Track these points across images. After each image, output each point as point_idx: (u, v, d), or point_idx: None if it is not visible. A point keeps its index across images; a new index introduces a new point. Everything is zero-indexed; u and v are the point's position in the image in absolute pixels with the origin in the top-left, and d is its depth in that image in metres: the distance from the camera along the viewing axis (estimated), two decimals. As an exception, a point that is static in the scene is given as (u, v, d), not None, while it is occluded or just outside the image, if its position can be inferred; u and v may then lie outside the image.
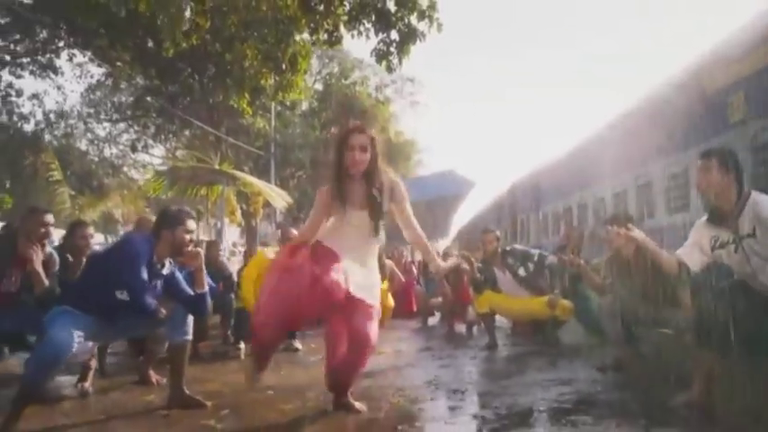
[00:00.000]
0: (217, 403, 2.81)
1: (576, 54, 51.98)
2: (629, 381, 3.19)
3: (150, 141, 19.09)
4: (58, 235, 6.01)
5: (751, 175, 4.04)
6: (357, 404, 2.67)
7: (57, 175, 11.40)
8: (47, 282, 3.17)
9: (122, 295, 2.62)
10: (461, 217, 19.89)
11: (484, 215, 16.28)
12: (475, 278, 4.84)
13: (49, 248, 3.46)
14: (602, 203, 7.81)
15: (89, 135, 20.81)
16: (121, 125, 20.17)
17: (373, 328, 2.56)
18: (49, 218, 3.39)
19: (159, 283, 2.81)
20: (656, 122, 5.84)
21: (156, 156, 20.57)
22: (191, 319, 2.89)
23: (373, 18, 7.47)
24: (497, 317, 5.00)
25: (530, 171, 11.05)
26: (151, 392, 3.15)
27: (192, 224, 2.88)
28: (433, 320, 6.51)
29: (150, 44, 11.83)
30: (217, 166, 8.46)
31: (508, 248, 5.11)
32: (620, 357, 3.43)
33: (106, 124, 19.95)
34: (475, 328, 5.59)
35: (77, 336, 2.47)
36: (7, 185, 10.90)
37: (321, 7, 8.65)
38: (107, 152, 20.84)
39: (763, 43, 4.44)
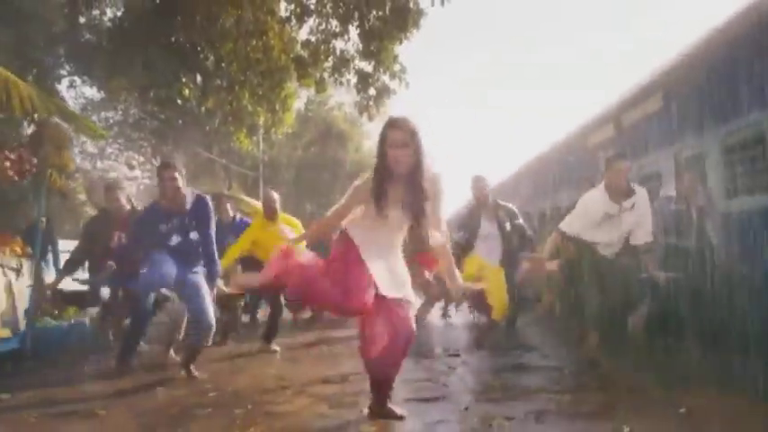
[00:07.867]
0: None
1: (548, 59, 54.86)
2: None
3: (142, 159, 20.54)
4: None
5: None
6: (398, 409, 2.64)
7: (82, 197, 13.03)
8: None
9: None
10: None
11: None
12: None
13: None
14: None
15: (77, 150, 22.08)
16: (112, 141, 21.49)
17: (411, 322, 2.54)
18: None
19: None
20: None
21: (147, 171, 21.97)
22: None
23: (356, 79, 9.40)
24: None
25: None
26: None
27: None
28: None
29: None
30: (226, 191, 10.23)
31: None
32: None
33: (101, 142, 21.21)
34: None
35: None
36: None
37: (310, 60, 10.62)
38: (99, 166, 22.23)
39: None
